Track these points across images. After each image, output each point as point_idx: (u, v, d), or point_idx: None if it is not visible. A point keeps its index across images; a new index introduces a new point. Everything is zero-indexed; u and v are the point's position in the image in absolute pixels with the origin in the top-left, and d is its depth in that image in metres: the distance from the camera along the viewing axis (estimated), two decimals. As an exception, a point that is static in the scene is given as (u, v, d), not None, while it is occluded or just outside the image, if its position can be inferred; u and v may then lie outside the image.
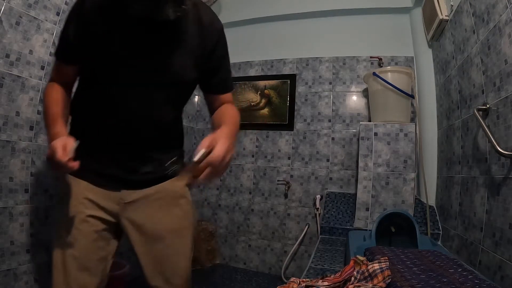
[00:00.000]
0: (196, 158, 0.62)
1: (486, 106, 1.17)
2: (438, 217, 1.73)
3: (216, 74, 0.90)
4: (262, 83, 2.46)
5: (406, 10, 2.17)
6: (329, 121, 2.25)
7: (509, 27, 1.02)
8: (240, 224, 2.38)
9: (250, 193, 2.38)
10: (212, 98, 0.93)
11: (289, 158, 2.31)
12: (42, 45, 1.31)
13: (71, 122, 0.87)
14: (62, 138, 0.71)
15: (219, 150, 0.63)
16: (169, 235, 0.87)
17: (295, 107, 2.35)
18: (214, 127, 0.80)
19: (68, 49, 0.81)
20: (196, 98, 2.65)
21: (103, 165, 0.82)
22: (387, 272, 0.86)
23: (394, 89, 1.80)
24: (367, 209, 1.76)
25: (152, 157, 0.86)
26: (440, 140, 1.83)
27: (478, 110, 1.18)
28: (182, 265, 0.93)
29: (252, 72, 2.53)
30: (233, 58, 2.89)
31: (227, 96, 0.94)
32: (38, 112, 1.29)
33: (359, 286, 0.84)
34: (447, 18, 1.62)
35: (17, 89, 1.22)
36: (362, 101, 2.21)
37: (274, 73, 2.46)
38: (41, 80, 1.31)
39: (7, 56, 1.19)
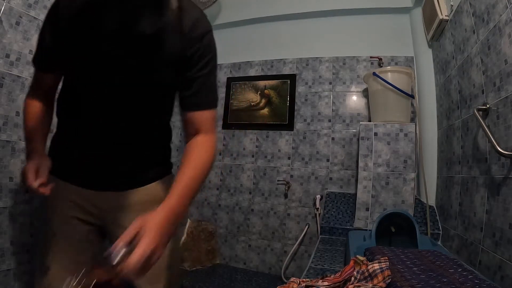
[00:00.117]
0: (114, 262, 0.50)
1: (486, 106, 1.17)
2: (438, 217, 1.73)
3: (191, 86, 0.77)
4: (262, 83, 2.46)
5: (406, 10, 2.17)
6: (329, 121, 2.25)
7: (509, 27, 1.02)
8: (240, 224, 2.38)
9: (250, 193, 2.38)
10: (185, 117, 0.78)
11: (289, 158, 2.31)
12: (42, 45, 1.31)
13: (57, 123, 0.86)
14: (35, 161, 0.70)
15: (140, 253, 0.51)
16: None
17: (295, 107, 2.35)
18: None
19: (46, 56, 0.78)
20: (196, 98, 2.65)
21: (84, 166, 0.80)
22: (387, 272, 0.86)
23: (394, 89, 1.80)
24: (367, 209, 1.76)
25: (127, 163, 0.81)
26: (440, 140, 1.83)
27: (478, 110, 1.18)
28: (162, 267, 0.86)
29: (252, 72, 2.53)
30: (233, 58, 2.90)
31: (203, 117, 0.78)
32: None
33: (359, 286, 0.84)
34: (447, 18, 1.62)
35: (17, 89, 1.22)
36: (362, 101, 2.21)
37: (274, 73, 2.46)
38: (41, 80, 1.31)
39: (7, 56, 1.19)
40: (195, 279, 2.01)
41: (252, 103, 2.46)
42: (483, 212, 1.17)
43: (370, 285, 0.83)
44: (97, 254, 0.85)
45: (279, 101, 2.39)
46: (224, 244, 2.41)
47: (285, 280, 2.05)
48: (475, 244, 1.22)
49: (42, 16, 1.30)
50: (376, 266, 0.89)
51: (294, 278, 1.02)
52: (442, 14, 1.64)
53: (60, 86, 0.86)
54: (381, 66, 2.11)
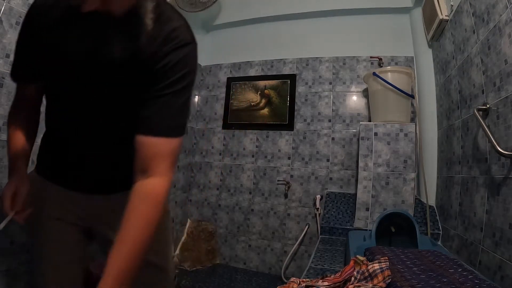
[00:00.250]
0: None
1: (486, 106, 1.17)
2: (438, 217, 1.73)
3: (151, 105, 0.65)
4: (262, 83, 2.46)
5: (406, 10, 2.17)
6: (329, 121, 2.25)
7: (509, 27, 1.02)
8: (240, 224, 2.38)
9: (250, 193, 2.38)
10: (136, 143, 0.65)
11: (289, 158, 2.31)
12: (42, 45, 1.31)
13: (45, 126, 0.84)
14: (14, 184, 0.68)
15: None
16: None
17: (295, 107, 2.35)
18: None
19: (22, 67, 0.75)
20: (196, 98, 2.66)
21: (70, 170, 0.79)
22: (387, 272, 0.86)
23: (394, 89, 1.80)
24: (367, 209, 1.76)
25: (112, 169, 0.77)
26: (440, 140, 1.83)
27: (478, 110, 1.18)
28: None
29: (252, 72, 2.53)
30: (233, 58, 2.90)
31: (158, 147, 0.64)
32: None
33: (359, 286, 0.84)
34: (447, 18, 1.62)
35: (17, 89, 1.22)
36: (362, 101, 2.21)
37: (274, 73, 2.46)
38: (41, 80, 1.31)
39: (7, 56, 1.19)
40: (195, 279, 2.01)
41: (252, 103, 2.46)
42: (483, 212, 1.17)
43: (370, 285, 0.84)
44: (86, 255, 0.85)
45: (279, 101, 2.39)
46: (224, 244, 2.41)
47: (285, 280, 2.05)
48: (475, 244, 1.22)
49: (42, 16, 1.30)
50: (376, 266, 0.89)
51: (294, 278, 1.02)
52: (442, 14, 1.64)
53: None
54: (381, 66, 2.11)
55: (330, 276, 0.98)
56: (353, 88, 2.24)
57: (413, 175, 1.73)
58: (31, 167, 0.84)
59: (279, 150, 2.35)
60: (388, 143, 1.78)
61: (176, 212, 2.38)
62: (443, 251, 1.29)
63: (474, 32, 1.31)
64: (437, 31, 1.75)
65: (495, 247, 1.06)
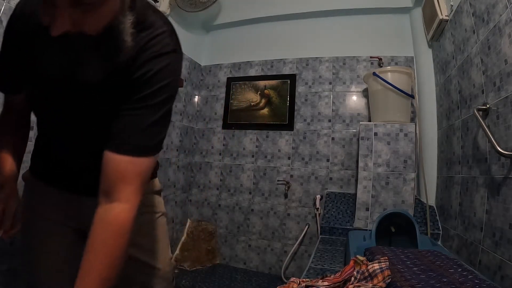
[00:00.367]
0: None
1: (486, 106, 1.17)
2: (438, 217, 1.73)
3: (121, 119, 0.60)
4: (262, 83, 2.46)
5: (406, 10, 2.17)
6: (329, 121, 2.25)
7: (509, 27, 1.02)
8: (240, 224, 2.38)
9: (250, 193, 2.38)
10: (103, 158, 0.59)
11: (289, 158, 2.31)
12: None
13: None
14: (2, 199, 0.66)
15: None
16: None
17: (295, 107, 2.35)
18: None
19: (5, 77, 0.71)
20: (196, 98, 2.66)
21: (62, 174, 0.78)
22: (387, 272, 0.86)
23: (394, 89, 1.80)
24: (367, 209, 1.76)
25: (90, 173, 0.71)
26: (440, 140, 1.83)
27: (478, 110, 1.18)
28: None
29: (252, 72, 2.53)
30: (233, 58, 2.90)
31: (124, 166, 0.58)
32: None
33: (359, 286, 0.84)
34: (447, 18, 1.62)
35: (17, 89, 1.22)
36: (362, 101, 2.21)
37: (274, 73, 2.46)
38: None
39: (7, 56, 1.19)
40: (195, 279, 2.01)
41: (252, 103, 2.46)
42: (483, 212, 1.17)
43: (370, 285, 0.84)
44: (79, 256, 0.85)
45: (279, 101, 2.39)
46: (224, 244, 2.41)
47: (285, 280, 2.05)
48: (475, 244, 1.22)
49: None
50: (376, 266, 0.89)
51: (294, 278, 1.02)
52: (442, 14, 1.64)
53: None
54: (381, 66, 2.11)
55: (330, 276, 0.98)
56: (353, 88, 2.24)
57: (413, 175, 1.73)
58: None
59: (279, 150, 2.35)
60: (388, 143, 1.78)
61: (176, 212, 2.38)
62: (443, 251, 1.29)
63: (474, 32, 1.31)
64: (437, 31, 1.75)
65: (495, 247, 1.06)
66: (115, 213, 0.58)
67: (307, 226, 2.18)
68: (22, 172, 0.81)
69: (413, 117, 2.01)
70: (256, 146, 2.41)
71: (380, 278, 0.85)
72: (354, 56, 2.26)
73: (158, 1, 2.03)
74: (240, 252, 2.36)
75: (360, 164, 1.81)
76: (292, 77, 2.39)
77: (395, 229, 1.51)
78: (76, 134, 0.70)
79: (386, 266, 0.88)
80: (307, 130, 2.29)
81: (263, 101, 2.44)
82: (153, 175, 0.91)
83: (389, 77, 1.83)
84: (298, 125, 2.33)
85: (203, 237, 2.39)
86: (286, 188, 2.26)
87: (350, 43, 2.28)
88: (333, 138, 2.22)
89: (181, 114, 2.41)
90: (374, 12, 2.24)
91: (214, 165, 2.53)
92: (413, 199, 1.72)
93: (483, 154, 1.20)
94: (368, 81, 1.99)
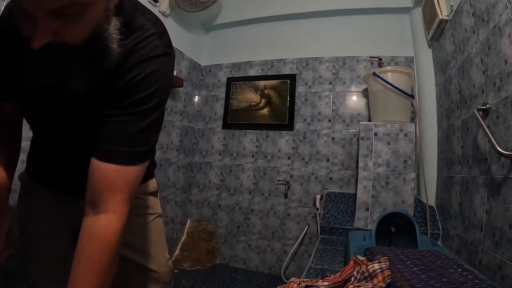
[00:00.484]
0: None
1: (486, 106, 1.17)
2: (438, 217, 1.73)
3: (107, 125, 0.58)
4: (262, 83, 2.46)
5: (406, 10, 2.17)
6: (329, 121, 2.25)
7: (509, 27, 1.02)
8: (240, 224, 2.38)
9: (250, 193, 2.38)
10: (90, 166, 0.58)
11: (289, 158, 2.31)
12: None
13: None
14: None
15: None
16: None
17: (295, 107, 2.35)
18: None
19: None
20: (196, 98, 2.66)
21: (57, 176, 0.77)
22: (387, 272, 0.86)
23: (394, 89, 1.80)
24: (367, 209, 1.76)
25: (82, 176, 0.69)
26: (440, 140, 1.83)
27: (478, 110, 1.18)
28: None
29: (252, 72, 2.53)
30: (233, 58, 2.90)
31: (111, 176, 0.56)
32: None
33: (359, 286, 0.84)
34: (447, 18, 1.62)
35: (17, 89, 1.22)
36: (362, 101, 2.21)
37: (274, 73, 2.46)
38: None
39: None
40: (195, 279, 2.01)
41: (252, 103, 2.46)
42: (483, 212, 1.17)
43: (370, 285, 0.84)
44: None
45: (279, 101, 2.39)
46: (224, 244, 2.41)
47: (285, 280, 2.05)
48: (475, 244, 1.22)
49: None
50: (376, 266, 0.89)
51: (294, 278, 1.02)
52: (442, 14, 1.64)
53: None
54: (381, 66, 2.11)
55: (330, 276, 0.98)
56: (353, 88, 2.24)
57: (413, 175, 1.73)
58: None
59: (279, 150, 2.35)
60: (388, 143, 1.78)
61: (176, 212, 2.38)
62: (443, 251, 1.29)
63: (474, 32, 1.31)
64: (437, 31, 1.75)
65: (495, 247, 1.06)
66: (103, 225, 0.55)
67: (307, 226, 2.18)
68: (18, 173, 0.82)
69: (413, 117, 2.01)
70: (256, 146, 2.41)
71: (380, 278, 0.85)
72: (354, 56, 2.26)
73: (158, 1, 2.03)
74: (240, 252, 2.36)
75: (360, 164, 1.81)
76: (292, 77, 2.39)
77: (395, 229, 1.51)
78: (68, 139, 0.69)
79: (386, 266, 0.88)
80: (307, 130, 2.29)
81: (263, 101, 2.44)
82: (150, 175, 0.90)
83: (389, 77, 1.83)
84: (298, 125, 2.33)
85: (203, 237, 2.39)
86: (286, 188, 2.26)
87: (350, 43, 2.28)
88: (333, 138, 2.22)
89: (181, 114, 2.41)
90: (374, 12, 2.24)
91: (214, 165, 2.53)
92: (413, 199, 1.72)
93: (483, 154, 1.20)
94: (368, 81, 1.99)
